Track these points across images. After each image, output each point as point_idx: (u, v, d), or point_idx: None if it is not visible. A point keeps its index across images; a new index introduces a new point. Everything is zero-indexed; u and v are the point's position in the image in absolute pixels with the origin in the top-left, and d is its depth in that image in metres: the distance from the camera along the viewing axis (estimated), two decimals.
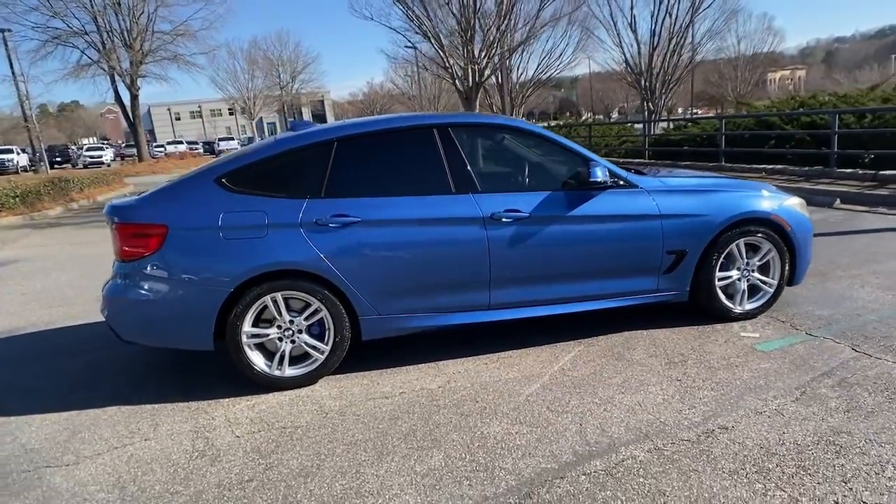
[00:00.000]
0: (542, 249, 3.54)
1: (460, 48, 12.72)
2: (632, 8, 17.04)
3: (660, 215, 3.69)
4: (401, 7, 13.27)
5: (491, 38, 12.41)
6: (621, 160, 12.46)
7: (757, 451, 2.47)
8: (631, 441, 2.62)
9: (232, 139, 58.90)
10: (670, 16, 16.32)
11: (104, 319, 3.44)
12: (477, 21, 12.14)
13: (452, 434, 2.79)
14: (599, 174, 3.53)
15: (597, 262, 3.67)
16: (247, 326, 3.28)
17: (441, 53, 13.07)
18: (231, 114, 70.19)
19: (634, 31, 17.35)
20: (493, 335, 3.89)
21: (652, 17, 16.54)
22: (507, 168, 3.81)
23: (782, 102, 13.48)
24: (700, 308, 3.94)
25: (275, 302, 3.30)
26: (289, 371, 3.40)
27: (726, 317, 3.93)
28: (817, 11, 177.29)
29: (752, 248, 3.91)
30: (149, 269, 3.22)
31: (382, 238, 3.37)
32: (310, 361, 3.42)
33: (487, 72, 12.79)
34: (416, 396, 3.21)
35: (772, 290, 3.97)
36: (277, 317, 3.33)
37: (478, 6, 12.20)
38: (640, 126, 15.91)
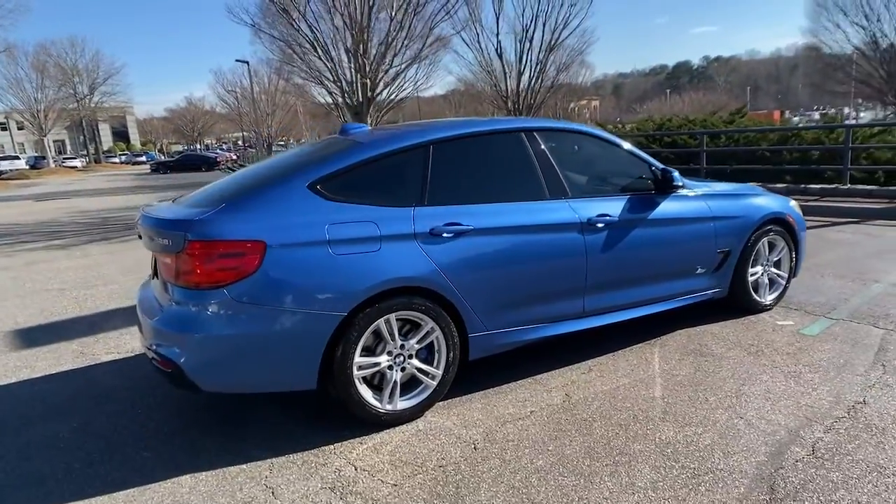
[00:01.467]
0: (628, 253, 3.57)
1: (351, 60, 12.38)
2: (497, 34, 18.16)
3: (712, 217, 3.94)
4: (285, 16, 12.51)
5: (383, 51, 12.28)
6: None
7: None
8: (803, 425, 2.74)
9: (18, 158, 50.34)
10: (530, 42, 17.74)
11: (160, 363, 2.71)
12: (368, 32, 11.93)
13: (632, 445, 2.67)
14: (678, 178, 3.68)
15: (669, 263, 3.80)
16: (358, 356, 2.82)
17: (329, 65, 12.59)
18: (19, 128, 59.95)
19: (500, 56, 18.47)
20: (564, 344, 3.81)
21: (519, 42, 17.81)
22: (587, 173, 3.78)
23: (643, 122, 15.26)
24: (735, 303, 4.26)
25: (388, 324, 2.88)
26: (401, 403, 2.98)
27: (754, 309, 4.31)
28: (609, 51, 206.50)
29: (771, 246, 4.34)
30: (242, 297, 2.61)
31: (492, 247, 3.13)
32: (419, 389, 3.04)
33: (381, 86, 12.61)
34: (550, 413, 3.01)
35: (783, 283, 4.45)
36: (390, 341, 2.91)
37: (369, 22, 12.00)
38: None
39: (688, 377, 3.34)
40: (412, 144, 3.12)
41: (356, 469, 2.61)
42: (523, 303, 3.27)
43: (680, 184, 3.70)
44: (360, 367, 2.83)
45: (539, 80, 18.29)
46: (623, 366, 3.54)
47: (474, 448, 2.73)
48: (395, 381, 2.95)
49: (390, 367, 2.94)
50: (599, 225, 3.43)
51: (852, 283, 4.94)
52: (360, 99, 12.28)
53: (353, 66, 12.30)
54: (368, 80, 12.02)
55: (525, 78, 18.02)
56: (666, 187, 3.74)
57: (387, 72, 12.25)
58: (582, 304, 3.47)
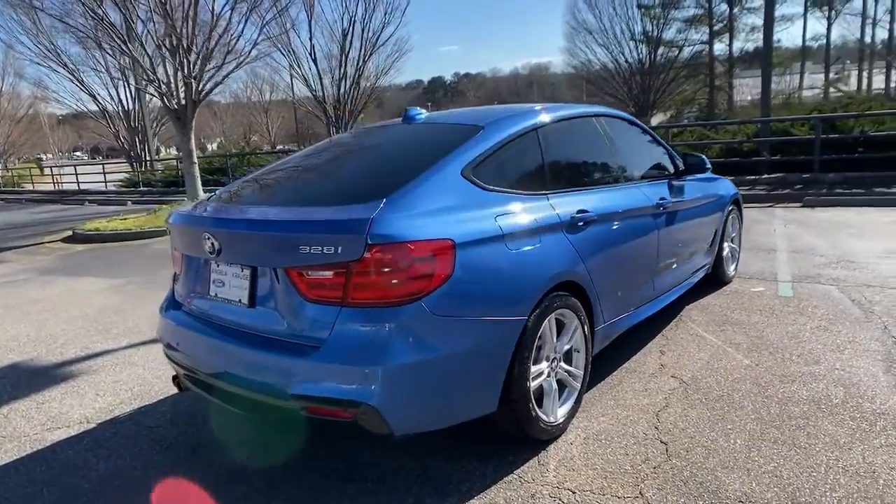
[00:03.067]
0: (678, 234, 3.75)
1: (169, 58, 10.66)
2: (311, 38, 17.25)
3: (715, 196, 4.35)
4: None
5: (211, 48, 10.82)
6: None
7: None
8: (871, 349, 3.17)
9: None
10: (349, 47, 17.24)
11: (331, 410, 2.05)
12: (188, 28, 10.41)
13: (788, 407, 2.79)
14: (707, 162, 3.96)
15: (697, 241, 4.11)
16: (533, 365, 2.47)
17: (143, 62, 10.67)
18: None
19: (315, 61, 17.59)
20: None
21: (339, 46, 17.14)
22: (635, 158, 3.81)
23: None
24: (714, 277, 4.72)
25: (549, 325, 2.58)
26: (559, 413, 2.69)
27: (724, 281, 4.84)
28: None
29: (732, 223, 4.92)
30: (440, 310, 2.10)
31: (608, 234, 3.02)
32: (565, 395, 2.78)
33: (209, 85, 11.07)
34: (683, 395, 2.99)
35: (738, 256, 5.09)
36: (550, 343, 2.61)
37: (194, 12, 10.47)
38: None
39: (748, 342, 3.61)
40: (527, 127, 2.84)
41: (573, 491, 2.28)
42: (626, 289, 3.22)
43: (709, 166, 4.00)
44: (533, 378, 2.48)
45: (357, 86, 18.01)
46: (685, 345, 3.68)
47: (659, 441, 2.59)
48: (555, 389, 2.66)
49: (549, 375, 2.64)
50: (661, 209, 3.53)
51: (763, 254, 5.85)
52: (183, 102, 10.69)
53: (170, 62, 10.65)
54: (193, 81, 10.53)
55: (346, 84, 17.60)
56: (690, 171, 4.00)
57: (217, 70, 10.87)
58: (652, 287, 3.54)
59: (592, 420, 2.82)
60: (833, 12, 28.75)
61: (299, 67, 18.00)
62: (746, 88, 31.37)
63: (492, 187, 2.48)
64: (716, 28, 32.40)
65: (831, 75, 29.76)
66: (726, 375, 3.19)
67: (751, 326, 3.90)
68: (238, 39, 11.39)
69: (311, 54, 17.67)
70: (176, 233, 2.65)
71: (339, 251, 2.01)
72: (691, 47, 33.28)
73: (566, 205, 2.76)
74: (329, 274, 2.06)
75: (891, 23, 28.44)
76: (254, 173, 3.12)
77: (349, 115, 17.94)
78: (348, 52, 17.46)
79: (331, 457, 2.64)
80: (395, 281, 2.01)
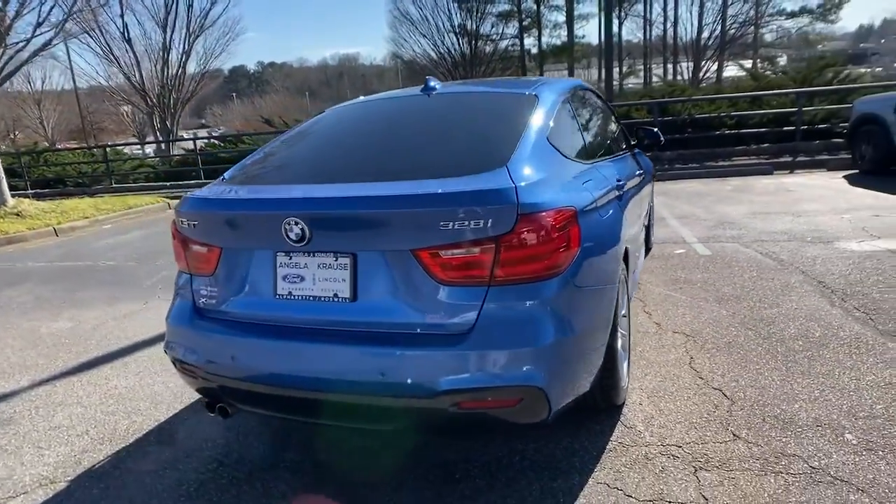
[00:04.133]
0: (643, 202, 4.02)
1: None
2: (122, 15, 14.88)
3: (648, 168, 4.73)
4: None
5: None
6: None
7: (842, 280, 4.03)
8: (806, 279, 3.75)
9: None
10: (173, 27, 15.27)
11: (496, 401, 1.86)
12: None
13: (791, 344, 3.18)
14: (659, 134, 4.26)
15: (647, 209, 4.42)
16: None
17: None
18: None
19: (128, 41, 15.23)
20: None
21: (161, 27, 15.03)
22: (614, 130, 3.92)
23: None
24: (646, 243, 5.16)
25: (620, 290, 2.63)
26: (626, 376, 2.75)
27: (650, 246, 5.32)
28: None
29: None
30: (577, 281, 2.00)
31: (628, 201, 3.10)
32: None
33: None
34: (696, 347, 3.25)
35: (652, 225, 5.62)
36: (621, 306, 2.65)
37: None
38: (144, 149, 14.53)
39: (713, 296, 4.03)
40: (564, 96, 2.82)
41: (679, 446, 2.36)
42: (638, 251, 3.41)
43: (662, 140, 4.32)
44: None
45: (183, 70, 16.19)
46: (662, 303, 3.99)
47: (713, 388, 2.78)
48: (623, 354, 2.71)
49: (621, 339, 2.68)
50: (640, 177, 3.76)
51: (656, 221, 6.53)
52: None
53: None
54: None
55: (170, 70, 15.67)
56: (641, 143, 4.28)
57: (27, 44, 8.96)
58: (640, 250, 3.77)
59: (641, 381, 2.93)
60: (623, 13, 32.76)
61: (110, 50, 15.67)
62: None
63: (565, 155, 2.43)
64: (525, 23, 35.15)
65: (624, 69, 33.97)
66: (719, 325, 3.53)
67: (702, 283, 4.35)
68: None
69: (124, 35, 15.47)
70: (216, 223, 2.17)
71: (489, 225, 1.82)
72: (506, 41, 35.76)
73: (608, 172, 2.82)
74: (475, 251, 1.85)
75: (664, 24, 33.31)
76: (269, 151, 2.69)
77: (177, 103, 16.10)
78: (171, 34, 15.63)
79: (418, 462, 2.41)
80: (542, 253, 1.88)
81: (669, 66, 34.25)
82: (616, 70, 34.21)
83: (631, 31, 34.68)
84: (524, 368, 1.85)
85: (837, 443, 2.29)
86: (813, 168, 9.44)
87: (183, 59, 16.01)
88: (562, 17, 35.33)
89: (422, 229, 1.86)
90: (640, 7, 33.38)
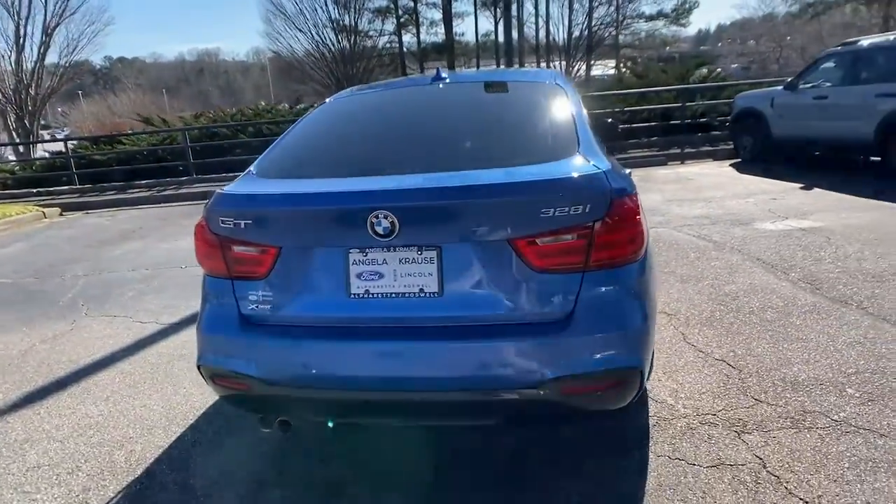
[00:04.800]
0: None
1: None
2: None
3: None
4: None
5: None
6: None
7: (776, 256, 4.55)
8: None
9: None
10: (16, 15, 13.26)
11: (602, 384, 1.89)
12: None
13: (763, 314, 3.53)
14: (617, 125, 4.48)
15: None
16: None
17: None
18: None
19: None
20: None
21: (12, 16, 12.94)
22: None
23: (224, 115, 14.28)
24: None
25: None
26: None
27: None
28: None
29: None
30: (646, 262, 2.08)
31: None
32: None
33: None
34: (683, 324, 3.50)
35: None
36: None
37: None
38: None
39: (673, 277, 4.35)
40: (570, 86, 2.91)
41: (714, 414, 2.55)
42: None
43: (619, 130, 4.54)
44: None
45: (41, 62, 14.29)
46: None
47: (716, 359, 3.02)
48: None
49: None
50: None
51: None
52: None
53: None
54: None
55: (27, 62, 13.75)
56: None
57: None
58: None
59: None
60: (499, 12, 33.98)
61: None
62: None
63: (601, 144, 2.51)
64: (403, 20, 35.29)
65: (502, 67, 35.30)
66: (692, 303, 3.82)
67: (658, 265, 4.67)
68: None
69: None
70: (276, 220, 1.99)
71: (588, 210, 1.84)
72: (386, 37, 35.67)
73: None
74: (573, 237, 1.86)
75: (535, 24, 35.02)
76: (294, 143, 2.50)
77: (36, 101, 14.22)
78: (25, 22, 13.75)
79: (474, 460, 2.38)
80: (628, 237, 1.94)
81: (543, 65, 36.13)
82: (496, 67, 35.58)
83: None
84: (624, 351, 1.90)
85: (843, 397, 2.60)
86: (700, 159, 10.45)
87: (42, 51, 14.14)
88: (438, 15, 35.97)
89: (522, 217, 1.85)
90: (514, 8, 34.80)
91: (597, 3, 33.46)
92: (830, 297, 3.72)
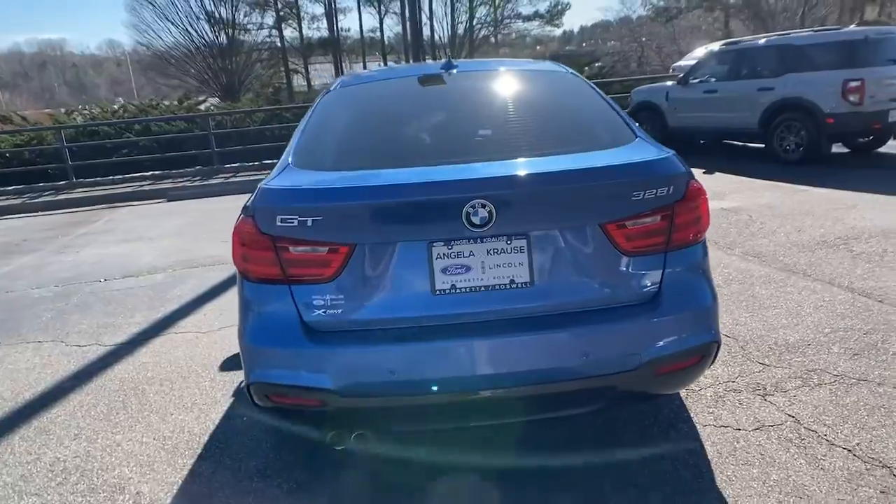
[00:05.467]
0: None
1: None
2: None
3: None
4: None
5: None
6: None
7: (715, 234, 4.93)
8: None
9: None
10: None
11: (688, 358, 1.92)
12: None
13: (728, 288, 3.80)
14: None
15: None
16: None
17: None
18: None
19: None
20: None
21: None
22: None
23: (104, 112, 12.73)
24: None
25: None
26: None
27: None
28: None
29: None
30: (705, 245, 2.14)
31: None
32: None
33: None
34: None
35: None
36: None
37: None
38: None
39: None
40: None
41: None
42: None
43: None
44: None
45: None
46: None
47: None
48: None
49: None
50: None
51: None
52: None
53: None
54: None
55: None
56: None
57: None
58: None
59: None
60: (383, 8, 33.79)
61: None
62: (328, 74, 34.06)
63: None
64: (282, 13, 33.95)
65: (391, 63, 35.10)
66: None
67: None
68: None
69: None
70: (351, 215, 1.81)
71: (671, 192, 1.88)
72: (265, 31, 34.09)
73: None
74: (657, 219, 1.88)
75: (419, 21, 35.27)
76: (326, 133, 2.29)
77: None
78: None
79: (526, 453, 2.34)
80: (699, 217, 2.00)
81: (430, 60, 36.53)
82: (383, 64, 35.36)
83: (388, 27, 35.82)
84: (706, 326, 1.96)
85: (833, 354, 2.88)
86: None
87: None
88: (321, 9, 35.08)
89: (614, 201, 1.84)
90: (397, 5, 34.76)
91: (477, 3, 34.38)
92: (778, 267, 4.11)
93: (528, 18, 34.50)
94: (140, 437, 2.64)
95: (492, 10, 34.56)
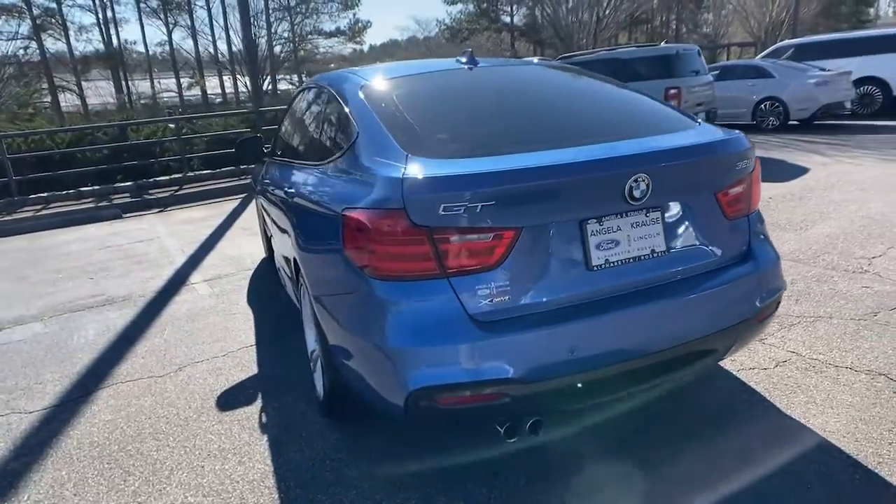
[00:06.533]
0: None
1: None
2: None
3: None
4: None
5: None
6: None
7: None
8: None
9: None
10: None
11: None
12: None
13: None
14: None
15: None
16: None
17: None
18: None
19: None
20: None
21: None
22: None
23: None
24: None
25: None
26: None
27: None
28: None
29: None
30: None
31: None
32: None
33: None
34: None
35: None
36: None
37: None
38: None
39: None
40: None
41: None
42: None
43: None
44: None
45: None
46: None
47: None
48: None
49: None
50: None
51: None
52: None
53: None
54: None
55: None
56: None
57: None
58: None
59: None
60: (171, 20, 30.97)
61: None
62: (105, 92, 30.06)
63: None
64: (39, 21, 29.33)
65: (187, 79, 32.29)
66: None
67: None
68: None
69: None
70: (518, 198, 1.78)
71: (750, 163, 2.18)
72: (19, 41, 29.04)
73: None
74: (742, 187, 2.16)
75: (212, 35, 33.05)
76: (419, 123, 2.14)
77: None
78: None
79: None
80: (757, 186, 2.32)
81: (227, 78, 34.32)
82: (175, 81, 32.39)
83: (179, 40, 33.07)
84: (780, 277, 2.29)
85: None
86: None
87: None
88: (90, 18, 31.05)
89: (724, 172, 2.08)
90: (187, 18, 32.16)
91: (274, 18, 33.32)
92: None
93: (329, 35, 34.41)
94: (188, 497, 2.19)
95: (290, 26, 33.84)
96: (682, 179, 2.01)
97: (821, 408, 2.42)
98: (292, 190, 2.76)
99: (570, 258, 1.87)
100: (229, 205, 8.60)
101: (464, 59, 2.77)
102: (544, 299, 1.85)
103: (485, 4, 38.03)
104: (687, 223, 2.05)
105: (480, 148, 2.01)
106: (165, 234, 6.91)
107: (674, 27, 38.36)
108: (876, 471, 2.04)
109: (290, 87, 33.08)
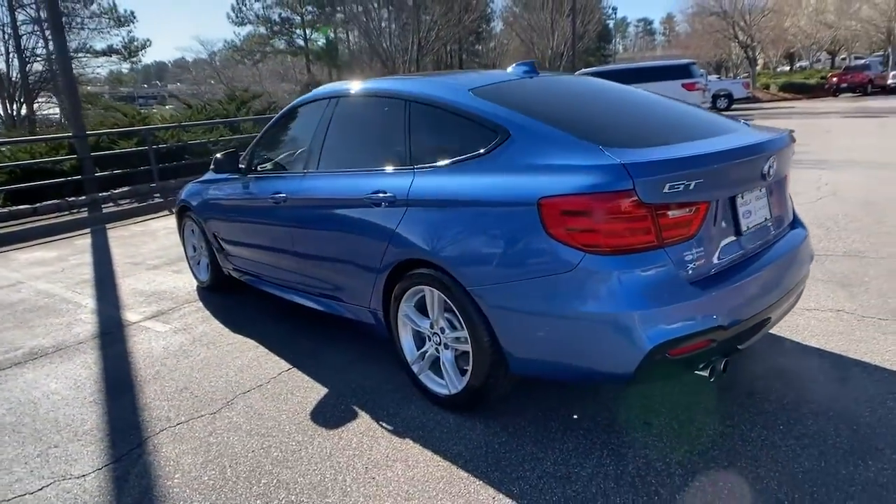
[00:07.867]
0: None
1: None
2: None
3: None
4: None
5: None
6: None
7: None
8: None
9: None
10: None
11: None
12: None
13: None
14: None
15: None
16: None
17: None
18: None
19: None
20: None
21: None
22: None
23: None
24: None
25: None
26: None
27: None
28: None
29: None
30: None
31: None
32: None
33: None
34: None
35: None
36: None
37: None
38: None
39: None
40: None
41: None
42: None
43: None
44: None
45: None
46: None
47: None
48: None
49: None
50: None
51: None
52: None
53: None
54: None
55: None
56: None
57: None
58: None
59: None
60: None
61: None
62: None
63: None
64: None
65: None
66: None
67: None
68: None
69: None
70: (714, 177, 2.16)
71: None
72: None
73: None
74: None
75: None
76: (558, 118, 2.43)
77: None
78: None
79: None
80: None
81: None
82: None
83: None
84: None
85: None
86: None
87: None
88: None
89: (790, 158, 2.70)
90: None
91: (23, 33, 28.38)
92: None
93: (102, 53, 30.54)
94: None
95: (44, 41, 29.18)
96: (780, 163, 2.59)
97: (889, 359, 3.20)
98: (388, 195, 2.69)
99: (728, 226, 2.32)
100: (81, 241, 7.42)
101: (524, 69, 3.05)
102: (723, 260, 2.27)
103: (276, 27, 37.36)
104: (776, 197, 2.64)
105: (644, 139, 2.34)
106: (24, 277, 5.76)
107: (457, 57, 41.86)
108: None
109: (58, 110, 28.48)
